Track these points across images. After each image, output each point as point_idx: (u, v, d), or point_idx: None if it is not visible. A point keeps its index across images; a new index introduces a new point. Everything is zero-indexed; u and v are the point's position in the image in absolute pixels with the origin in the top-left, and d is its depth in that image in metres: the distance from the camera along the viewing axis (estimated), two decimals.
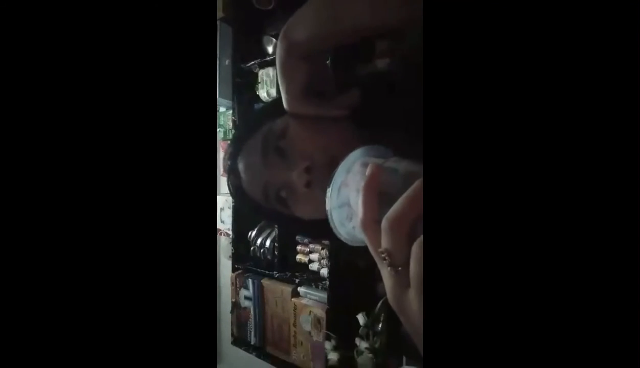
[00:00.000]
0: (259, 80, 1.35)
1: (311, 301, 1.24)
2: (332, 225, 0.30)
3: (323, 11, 0.36)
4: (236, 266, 1.46)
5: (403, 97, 0.42)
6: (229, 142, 1.55)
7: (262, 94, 1.34)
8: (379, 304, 0.96)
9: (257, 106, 1.41)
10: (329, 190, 0.29)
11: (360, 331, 1.00)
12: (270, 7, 1.27)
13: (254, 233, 1.39)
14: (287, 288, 1.29)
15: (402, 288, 0.23)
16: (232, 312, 1.49)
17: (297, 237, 1.31)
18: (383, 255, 0.23)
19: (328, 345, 1.11)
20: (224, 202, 1.61)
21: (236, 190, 0.47)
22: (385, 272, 0.23)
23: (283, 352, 1.34)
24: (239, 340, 1.48)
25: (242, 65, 1.37)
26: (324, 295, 1.19)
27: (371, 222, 0.24)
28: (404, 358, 0.92)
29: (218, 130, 1.65)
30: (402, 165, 0.26)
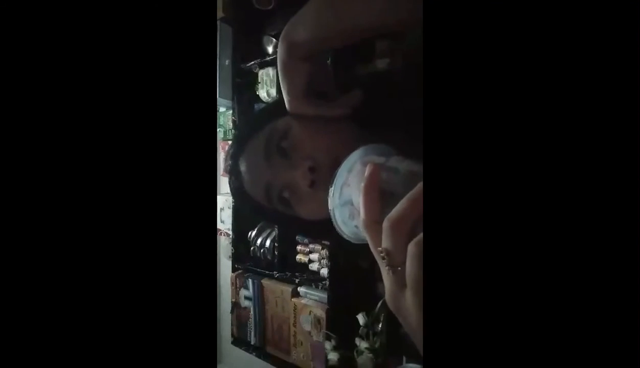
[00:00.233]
0: (259, 80, 1.35)
1: (311, 301, 1.24)
2: (335, 223, 0.30)
3: (324, 12, 0.36)
4: (236, 266, 1.46)
5: (403, 97, 0.42)
6: (229, 142, 1.55)
7: (262, 94, 1.34)
8: (379, 304, 0.96)
9: (257, 106, 1.41)
10: (331, 189, 0.30)
11: (360, 331, 1.00)
12: (270, 7, 1.27)
13: (254, 233, 1.39)
14: (287, 288, 1.29)
15: (400, 288, 0.23)
16: (232, 312, 1.49)
17: (297, 237, 1.31)
18: (382, 255, 0.23)
19: (328, 345, 1.11)
20: (224, 202, 1.61)
21: (237, 191, 0.47)
22: (385, 272, 0.23)
23: (283, 352, 1.34)
24: (239, 340, 1.48)
25: (242, 65, 1.37)
26: (324, 295, 1.19)
27: (372, 221, 0.24)
28: (404, 358, 0.92)
29: (218, 130, 1.65)
30: (403, 165, 0.26)
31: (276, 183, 0.42)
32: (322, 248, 1.23)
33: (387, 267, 0.23)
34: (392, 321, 0.94)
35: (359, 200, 0.25)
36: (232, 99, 1.41)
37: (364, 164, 0.28)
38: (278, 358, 1.36)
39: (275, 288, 1.33)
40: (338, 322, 1.13)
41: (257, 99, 1.38)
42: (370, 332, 0.99)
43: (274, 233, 1.32)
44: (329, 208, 0.30)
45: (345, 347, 1.07)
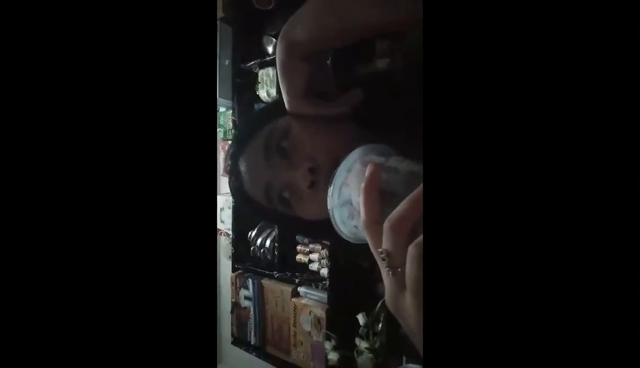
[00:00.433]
0: (259, 80, 1.35)
1: (311, 301, 1.24)
2: (334, 223, 0.30)
3: (323, 11, 0.36)
4: (236, 266, 1.46)
5: (403, 97, 0.42)
6: (229, 142, 1.55)
7: (262, 94, 1.34)
8: (379, 304, 0.96)
9: (257, 106, 1.41)
10: (330, 189, 0.30)
11: (360, 331, 1.00)
12: (270, 7, 1.27)
13: (254, 233, 1.39)
14: (287, 288, 1.29)
15: (400, 290, 0.23)
16: (232, 312, 1.49)
17: (297, 237, 1.31)
18: (382, 256, 0.23)
19: (328, 345, 1.11)
20: (224, 202, 1.61)
21: (237, 191, 0.47)
22: (385, 273, 0.23)
23: (283, 352, 1.34)
24: (239, 340, 1.48)
25: (242, 65, 1.37)
26: (324, 295, 1.19)
27: (372, 221, 0.24)
28: (404, 358, 0.92)
29: (218, 130, 1.65)
30: (403, 165, 0.26)
31: (276, 183, 0.42)
32: (322, 248, 1.23)
33: (387, 268, 0.23)
34: (392, 321, 0.94)
35: (358, 200, 0.25)
36: (232, 99, 1.41)
37: (364, 164, 0.28)
38: (278, 358, 1.36)
39: (275, 288, 1.33)
40: (338, 322, 1.13)
41: (257, 99, 1.38)
42: (370, 332, 0.99)
43: (274, 233, 1.32)
44: (328, 208, 0.30)
45: (345, 347, 1.07)
